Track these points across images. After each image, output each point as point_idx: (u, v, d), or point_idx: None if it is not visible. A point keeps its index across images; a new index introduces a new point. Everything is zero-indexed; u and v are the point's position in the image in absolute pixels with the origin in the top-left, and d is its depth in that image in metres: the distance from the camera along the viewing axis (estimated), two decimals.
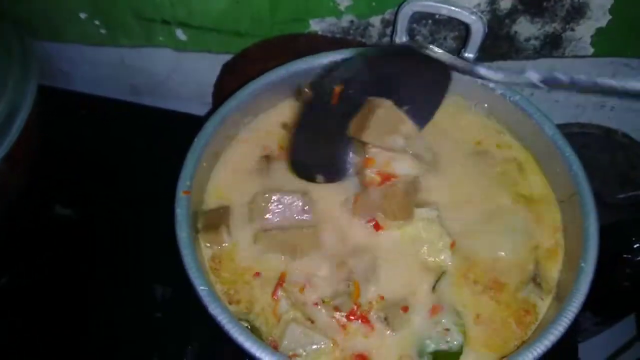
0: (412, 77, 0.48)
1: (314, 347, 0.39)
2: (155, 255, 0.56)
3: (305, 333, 0.38)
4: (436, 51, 0.48)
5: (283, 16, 0.62)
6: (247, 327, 0.40)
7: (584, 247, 0.41)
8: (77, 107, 0.75)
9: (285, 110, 0.54)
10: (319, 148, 0.48)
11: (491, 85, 0.50)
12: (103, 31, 0.69)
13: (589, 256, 0.40)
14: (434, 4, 0.49)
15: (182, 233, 0.41)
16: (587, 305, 0.67)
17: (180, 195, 0.43)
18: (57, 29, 0.71)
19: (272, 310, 0.42)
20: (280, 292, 0.42)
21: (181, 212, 0.42)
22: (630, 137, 0.67)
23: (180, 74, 0.73)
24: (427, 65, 0.48)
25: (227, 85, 0.71)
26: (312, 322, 0.41)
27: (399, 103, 0.48)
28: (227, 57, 0.68)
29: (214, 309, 0.37)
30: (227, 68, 0.69)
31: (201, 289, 0.38)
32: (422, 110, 0.50)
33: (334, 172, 0.49)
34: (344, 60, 0.50)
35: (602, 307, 0.68)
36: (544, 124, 0.47)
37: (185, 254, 0.40)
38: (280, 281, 0.43)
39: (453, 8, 0.49)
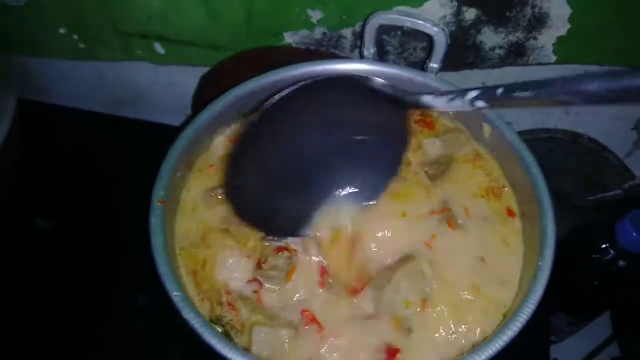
0: (362, 115, 0.45)
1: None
2: (136, 264, 0.57)
3: (270, 332, 0.40)
4: (380, 83, 0.44)
5: (258, 29, 0.64)
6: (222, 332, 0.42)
7: (541, 245, 0.42)
8: (57, 120, 0.76)
9: None
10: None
11: None
12: (82, 45, 0.70)
13: (546, 254, 0.42)
14: (398, 17, 0.51)
15: (157, 241, 0.42)
16: (559, 306, 0.70)
17: (155, 204, 0.44)
18: (36, 44, 0.72)
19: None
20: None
21: (155, 222, 0.43)
22: (596, 141, 0.70)
23: (160, 86, 0.75)
24: (375, 100, 0.45)
25: (205, 97, 0.72)
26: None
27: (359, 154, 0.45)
28: (205, 69, 0.70)
29: (187, 314, 0.39)
30: (204, 80, 0.71)
31: (175, 294, 0.39)
32: (386, 155, 0.47)
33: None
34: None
35: (573, 307, 0.70)
36: (503, 130, 0.49)
37: (160, 262, 0.41)
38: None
39: (416, 21, 0.51)
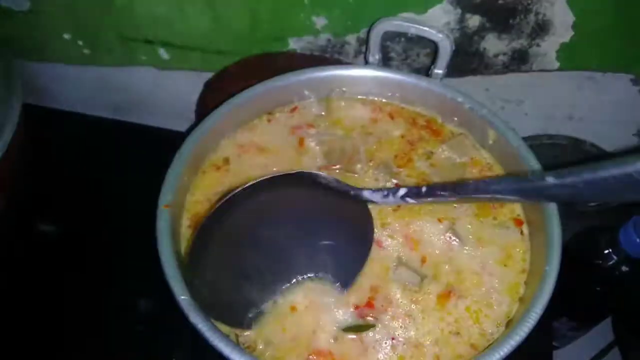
0: (322, 210, 0.46)
1: None
2: (138, 269, 0.57)
3: None
4: (329, 178, 0.45)
5: (263, 35, 0.64)
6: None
7: (547, 251, 0.42)
8: (60, 124, 0.76)
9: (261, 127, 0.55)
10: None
11: (459, 99, 0.52)
12: (86, 51, 0.71)
13: (553, 259, 0.42)
14: (403, 23, 0.52)
15: (163, 245, 0.42)
16: (562, 311, 0.70)
17: (162, 209, 0.44)
18: (41, 49, 0.72)
19: None
20: None
21: (162, 226, 0.43)
22: (598, 146, 0.70)
23: (163, 91, 0.75)
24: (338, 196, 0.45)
25: (209, 102, 0.73)
26: None
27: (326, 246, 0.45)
28: (209, 75, 0.70)
29: (194, 318, 0.39)
30: (208, 85, 0.71)
31: (182, 298, 0.39)
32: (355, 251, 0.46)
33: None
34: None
35: (576, 312, 0.70)
36: (509, 136, 0.49)
37: (167, 265, 0.41)
38: None
39: (421, 27, 0.51)
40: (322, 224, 0.46)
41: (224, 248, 0.43)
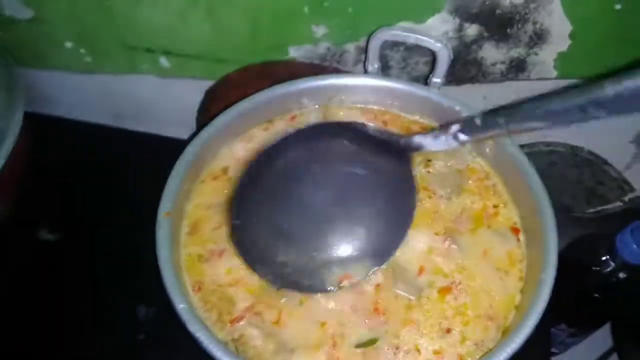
0: (365, 165, 0.44)
1: None
2: (138, 277, 0.57)
3: None
4: (376, 129, 0.44)
5: (263, 44, 0.65)
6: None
7: (544, 259, 0.43)
8: (62, 132, 0.76)
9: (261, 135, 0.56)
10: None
11: (457, 108, 0.53)
12: (88, 59, 0.71)
13: (549, 267, 0.42)
14: (402, 33, 0.52)
15: (163, 254, 0.42)
16: (560, 318, 0.70)
17: (162, 217, 0.44)
18: (43, 57, 0.73)
19: None
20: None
21: (162, 234, 0.43)
22: (596, 153, 0.71)
23: (165, 99, 0.75)
24: (373, 147, 0.44)
25: (210, 110, 0.73)
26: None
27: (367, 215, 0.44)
28: (210, 83, 0.71)
29: (192, 326, 0.39)
30: (209, 93, 0.72)
31: (181, 306, 0.40)
32: (397, 211, 0.44)
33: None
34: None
35: (574, 318, 0.70)
36: (505, 144, 0.50)
37: (166, 273, 0.41)
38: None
39: (420, 37, 0.52)
40: (363, 192, 0.43)
41: (265, 197, 0.43)
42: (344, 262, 0.43)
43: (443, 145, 0.41)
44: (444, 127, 0.41)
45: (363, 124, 0.44)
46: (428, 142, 0.42)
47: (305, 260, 0.43)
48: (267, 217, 0.43)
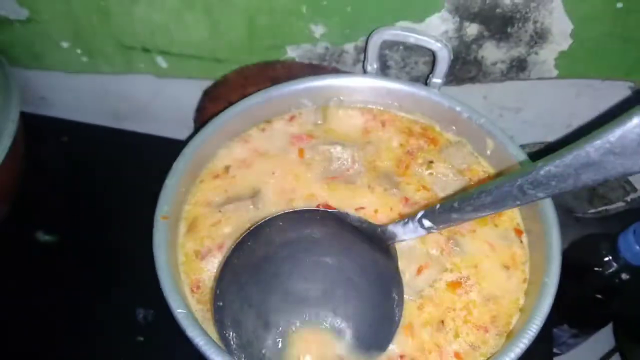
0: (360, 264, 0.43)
1: None
2: (136, 278, 0.57)
3: None
4: (356, 218, 0.42)
5: (260, 43, 0.64)
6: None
7: (546, 261, 0.42)
8: (59, 133, 0.76)
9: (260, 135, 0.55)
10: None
11: (457, 108, 0.52)
12: (85, 59, 0.71)
13: (552, 270, 0.42)
14: (401, 32, 0.52)
15: (161, 257, 0.42)
16: (563, 318, 0.70)
17: (159, 220, 0.44)
18: (39, 57, 0.72)
19: None
20: None
21: (159, 237, 0.43)
22: None
23: (162, 99, 0.75)
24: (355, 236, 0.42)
25: (208, 110, 0.73)
26: None
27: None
28: (208, 83, 0.70)
29: (191, 332, 0.38)
30: (207, 94, 0.71)
31: (179, 312, 0.39)
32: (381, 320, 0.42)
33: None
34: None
35: (577, 319, 0.70)
36: (507, 144, 0.49)
37: (164, 278, 0.41)
38: None
39: (419, 36, 0.51)
40: (350, 287, 0.42)
41: (248, 281, 0.42)
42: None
43: (411, 233, 0.40)
44: (411, 215, 0.40)
45: (346, 214, 0.43)
46: (399, 231, 0.41)
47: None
48: (248, 302, 0.42)
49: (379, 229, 0.42)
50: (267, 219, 0.41)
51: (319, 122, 0.56)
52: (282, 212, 0.42)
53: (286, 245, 0.42)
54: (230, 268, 0.41)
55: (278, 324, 0.42)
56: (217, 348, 0.38)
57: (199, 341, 0.38)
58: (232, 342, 0.40)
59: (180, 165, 0.48)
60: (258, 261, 0.42)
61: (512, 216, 0.49)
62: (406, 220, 0.40)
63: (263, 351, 0.41)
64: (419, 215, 0.38)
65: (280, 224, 0.41)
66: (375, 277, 0.42)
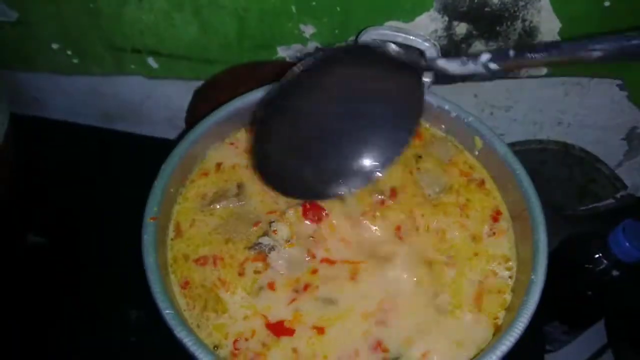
0: (379, 84, 0.45)
1: None
2: (129, 279, 0.57)
3: None
4: (395, 50, 0.43)
5: (250, 44, 0.64)
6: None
7: (533, 259, 0.42)
8: (50, 134, 0.76)
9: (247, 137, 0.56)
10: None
11: (446, 107, 0.52)
12: (75, 60, 0.71)
13: (539, 268, 0.42)
14: (390, 32, 0.52)
15: (149, 259, 0.42)
16: (554, 315, 0.70)
17: (148, 221, 0.44)
18: (30, 59, 0.72)
19: None
20: None
21: (148, 239, 0.43)
22: (587, 151, 0.70)
23: (153, 100, 0.75)
24: (390, 68, 0.44)
25: (199, 111, 0.72)
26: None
27: (372, 123, 0.45)
28: (199, 83, 0.70)
29: (179, 332, 0.39)
30: (198, 94, 0.71)
31: (167, 312, 0.39)
32: (400, 124, 0.45)
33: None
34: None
35: (568, 316, 0.70)
36: (495, 143, 0.49)
37: (152, 279, 0.41)
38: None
39: (407, 36, 0.51)
40: (376, 105, 0.44)
41: (288, 124, 0.44)
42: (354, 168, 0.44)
43: (469, 70, 0.41)
44: (472, 55, 0.40)
45: (382, 45, 0.44)
46: (452, 66, 0.42)
47: (315, 170, 0.45)
48: (285, 137, 0.45)
49: (424, 62, 0.44)
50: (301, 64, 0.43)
51: None
52: (318, 57, 0.43)
53: (322, 85, 0.44)
54: (270, 109, 0.44)
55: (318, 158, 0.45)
56: (205, 348, 0.38)
57: (188, 341, 0.38)
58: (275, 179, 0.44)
59: (169, 167, 0.48)
60: (294, 105, 0.44)
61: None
62: (465, 58, 0.40)
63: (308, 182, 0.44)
64: (485, 58, 0.39)
65: (312, 69, 0.43)
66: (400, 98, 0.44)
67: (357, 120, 0.45)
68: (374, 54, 0.44)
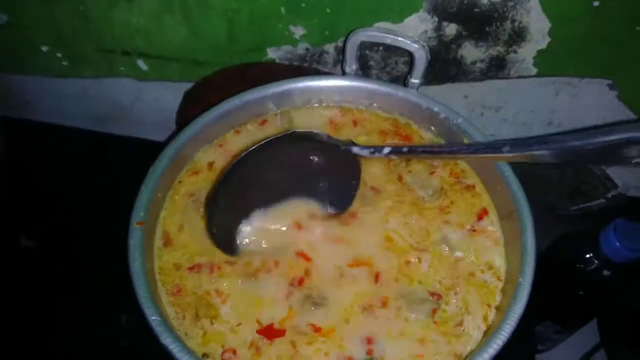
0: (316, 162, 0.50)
1: None
2: (120, 283, 0.57)
3: None
4: (324, 135, 0.49)
5: (240, 45, 0.64)
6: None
7: (521, 261, 0.42)
8: (41, 137, 0.76)
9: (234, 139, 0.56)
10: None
11: (435, 108, 0.52)
12: (65, 63, 0.70)
13: (526, 270, 0.42)
14: (379, 34, 0.52)
15: (135, 264, 0.42)
16: (546, 315, 0.70)
17: (134, 226, 0.44)
18: (19, 61, 0.72)
19: None
20: None
21: (134, 244, 0.43)
22: None
23: (143, 102, 0.74)
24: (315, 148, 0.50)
25: (189, 112, 0.72)
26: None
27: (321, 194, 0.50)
28: (189, 85, 0.70)
29: (165, 339, 0.38)
30: (188, 96, 0.71)
31: (152, 319, 0.39)
32: (344, 192, 0.51)
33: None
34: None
35: (560, 315, 0.70)
36: None
37: (138, 285, 0.41)
38: None
39: (396, 37, 0.51)
40: (316, 169, 0.50)
41: (233, 191, 0.47)
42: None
43: (377, 156, 0.49)
44: (378, 147, 0.49)
45: (311, 132, 0.49)
46: (364, 153, 0.49)
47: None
48: (233, 203, 0.48)
49: (342, 146, 0.50)
50: (244, 151, 0.46)
51: (285, 126, 0.56)
52: (256, 145, 0.46)
53: (265, 163, 0.48)
54: (219, 188, 0.47)
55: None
56: (191, 355, 0.38)
57: (173, 348, 0.38)
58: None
59: (156, 171, 0.48)
60: (243, 177, 0.47)
61: (491, 220, 0.50)
62: (373, 150, 0.49)
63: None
64: (387, 150, 0.48)
65: (260, 148, 0.47)
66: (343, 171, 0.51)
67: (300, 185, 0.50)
68: (309, 138, 0.49)
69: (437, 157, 0.50)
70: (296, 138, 0.49)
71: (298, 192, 0.50)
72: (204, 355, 0.42)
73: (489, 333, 0.43)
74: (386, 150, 0.48)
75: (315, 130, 0.49)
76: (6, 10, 0.65)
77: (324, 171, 0.50)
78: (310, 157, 0.50)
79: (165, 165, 0.48)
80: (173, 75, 0.69)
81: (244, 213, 0.49)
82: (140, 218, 0.44)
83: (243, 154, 0.46)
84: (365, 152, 0.49)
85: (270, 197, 0.50)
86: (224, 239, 0.47)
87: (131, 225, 0.44)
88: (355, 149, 0.49)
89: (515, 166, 0.49)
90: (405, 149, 0.47)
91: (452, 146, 0.48)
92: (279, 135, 0.47)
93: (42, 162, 0.74)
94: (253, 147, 0.46)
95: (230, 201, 0.47)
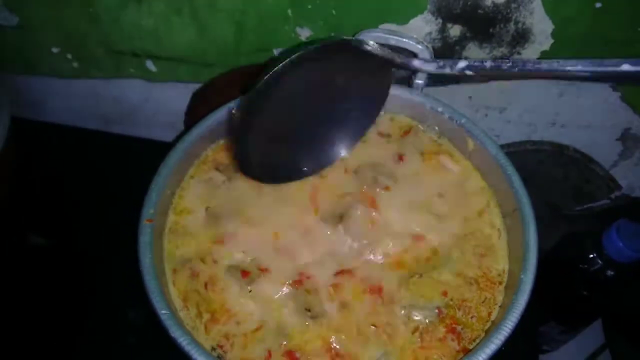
0: (353, 75, 0.49)
1: None
2: (128, 280, 0.57)
3: None
4: (373, 46, 0.47)
5: (248, 47, 0.65)
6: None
7: (523, 258, 0.43)
8: (50, 137, 0.77)
9: None
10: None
11: (439, 109, 0.53)
12: (75, 64, 0.71)
13: (529, 267, 0.43)
14: (383, 35, 0.52)
15: (145, 260, 0.43)
16: (550, 315, 0.70)
17: (143, 223, 0.45)
18: (30, 63, 0.73)
19: None
20: None
21: (144, 240, 0.44)
22: (582, 152, 0.71)
23: (152, 103, 0.75)
24: (366, 62, 0.48)
25: (197, 113, 0.73)
26: None
27: (344, 105, 0.50)
28: (197, 86, 0.71)
29: (174, 332, 0.39)
30: (196, 96, 0.72)
31: (162, 312, 0.40)
32: (367, 110, 0.53)
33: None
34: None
35: (564, 316, 0.70)
36: (487, 144, 0.50)
37: (148, 280, 0.42)
38: None
39: (401, 38, 0.52)
40: (348, 97, 0.50)
41: (267, 118, 0.47)
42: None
43: (443, 72, 0.47)
44: (450, 60, 0.47)
45: (360, 41, 0.48)
46: (429, 67, 0.48)
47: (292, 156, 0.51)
48: (264, 129, 0.48)
49: (399, 60, 0.48)
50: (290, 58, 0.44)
51: None
52: (303, 52, 0.44)
53: (308, 79, 0.46)
54: (257, 99, 0.45)
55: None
56: (199, 348, 0.39)
57: (182, 341, 0.39)
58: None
59: (165, 169, 0.49)
60: (283, 95, 0.46)
61: (492, 219, 0.50)
62: (442, 63, 0.46)
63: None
64: (462, 65, 0.46)
65: (300, 61, 0.44)
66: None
67: (329, 112, 0.50)
68: (349, 49, 0.47)
69: (525, 72, 0.44)
70: (339, 49, 0.46)
71: (321, 119, 0.50)
72: (213, 348, 0.42)
73: (489, 332, 0.43)
74: (461, 64, 0.45)
75: (365, 41, 0.47)
76: (17, 12, 0.66)
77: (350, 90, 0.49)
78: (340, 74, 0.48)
79: (175, 161, 0.49)
80: (182, 77, 0.70)
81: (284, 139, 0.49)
82: (150, 215, 0.45)
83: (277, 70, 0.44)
84: (430, 67, 0.46)
85: (300, 120, 0.49)
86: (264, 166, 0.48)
87: (141, 222, 0.45)
88: (415, 62, 0.47)
89: (519, 166, 0.49)
90: (487, 64, 0.44)
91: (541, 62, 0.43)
92: (318, 46, 0.45)
93: (52, 162, 0.75)
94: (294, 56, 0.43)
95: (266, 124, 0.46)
